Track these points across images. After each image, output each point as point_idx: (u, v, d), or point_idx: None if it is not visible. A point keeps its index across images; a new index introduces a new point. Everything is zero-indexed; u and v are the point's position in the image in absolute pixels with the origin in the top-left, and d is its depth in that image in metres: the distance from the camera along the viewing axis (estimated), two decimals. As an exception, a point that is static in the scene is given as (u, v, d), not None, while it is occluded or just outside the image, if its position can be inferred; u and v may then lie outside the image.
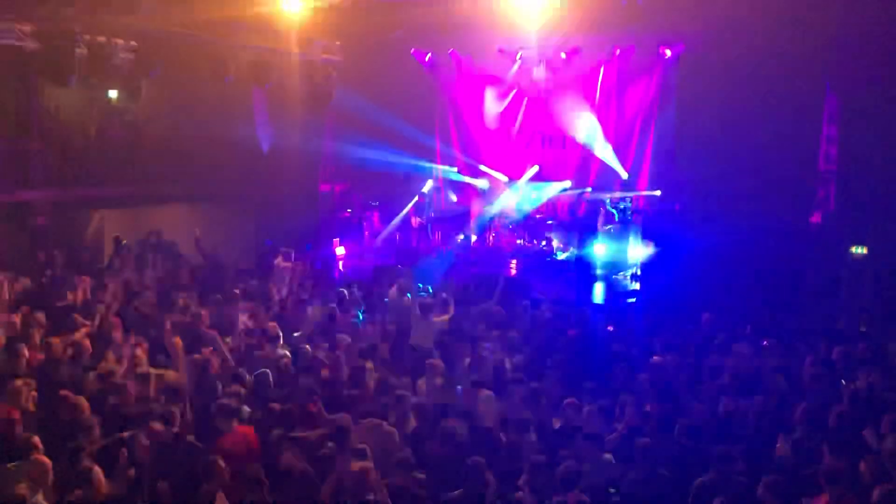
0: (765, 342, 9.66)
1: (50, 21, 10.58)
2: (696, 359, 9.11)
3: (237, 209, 17.64)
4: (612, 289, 14.15)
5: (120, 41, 12.18)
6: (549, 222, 16.66)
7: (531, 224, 16.68)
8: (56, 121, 16.20)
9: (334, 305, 10.83)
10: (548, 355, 9.21)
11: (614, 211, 15.24)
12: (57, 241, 14.66)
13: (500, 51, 16.51)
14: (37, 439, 6.28)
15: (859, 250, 13.12)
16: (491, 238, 16.80)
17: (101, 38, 11.27)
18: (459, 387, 8.19)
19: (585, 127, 16.54)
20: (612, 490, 6.33)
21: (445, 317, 10.33)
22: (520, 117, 17.42)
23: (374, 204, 18.39)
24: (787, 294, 12.40)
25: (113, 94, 17.83)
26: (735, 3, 13.13)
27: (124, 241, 13.60)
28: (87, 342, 8.64)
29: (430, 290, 11.90)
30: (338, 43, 16.33)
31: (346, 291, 11.41)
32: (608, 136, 16.46)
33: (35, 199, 14.58)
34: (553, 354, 9.21)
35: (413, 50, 17.27)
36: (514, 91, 17.34)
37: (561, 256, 15.92)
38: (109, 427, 6.86)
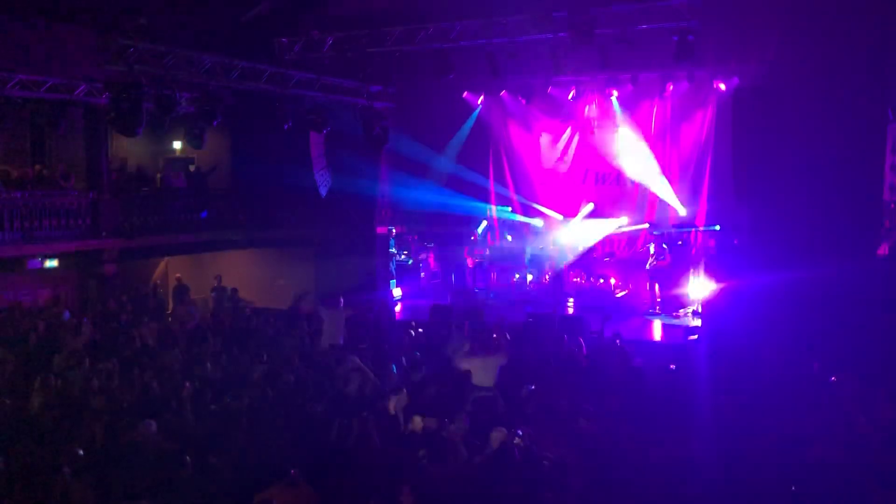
0: (833, 378, 9.33)
1: (119, 75, 11.04)
2: (762, 398, 8.83)
3: (296, 254, 17.97)
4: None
5: (185, 93, 12.71)
6: (607, 259, 16.56)
7: (588, 262, 16.56)
8: (123, 171, 16.89)
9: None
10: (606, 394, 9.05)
11: (666, 246, 15.21)
12: (124, 287, 15.17)
13: (552, 91, 16.58)
14: None
15: (931, 281, 12.61)
16: (547, 277, 16.73)
17: (167, 91, 11.72)
18: None
19: (640, 163, 16.45)
20: None
21: (503, 356, 10.25)
22: (570, 155, 17.40)
23: (429, 245, 18.54)
24: (855, 329, 11.95)
25: (177, 144, 18.60)
26: (790, 32, 12.95)
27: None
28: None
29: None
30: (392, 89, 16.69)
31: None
32: (664, 171, 16.32)
33: (104, 248, 15.12)
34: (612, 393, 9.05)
35: (465, 93, 17.48)
36: (568, 130, 17.37)
37: (619, 294, 15.78)
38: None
